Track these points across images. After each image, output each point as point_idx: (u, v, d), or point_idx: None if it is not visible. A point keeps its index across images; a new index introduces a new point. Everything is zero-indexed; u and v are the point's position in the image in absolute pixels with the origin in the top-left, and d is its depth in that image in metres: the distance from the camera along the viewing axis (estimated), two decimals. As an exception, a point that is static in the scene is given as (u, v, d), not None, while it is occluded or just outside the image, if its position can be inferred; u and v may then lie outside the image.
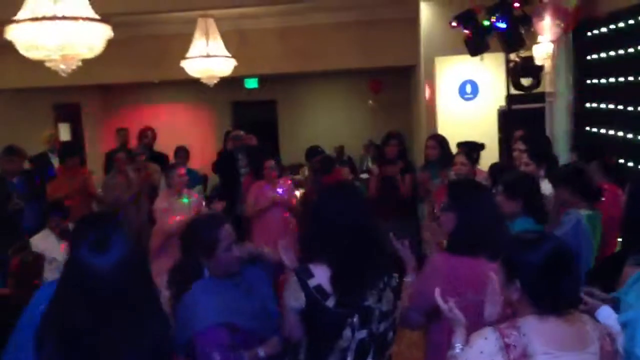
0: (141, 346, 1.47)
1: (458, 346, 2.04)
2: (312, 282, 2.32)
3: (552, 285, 1.82)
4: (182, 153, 7.20)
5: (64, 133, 10.47)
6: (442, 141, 5.75)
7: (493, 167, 4.58)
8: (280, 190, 5.85)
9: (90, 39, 4.24)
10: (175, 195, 5.39)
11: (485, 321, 2.15)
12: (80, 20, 4.11)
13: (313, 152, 6.58)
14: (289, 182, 6.08)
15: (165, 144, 8.23)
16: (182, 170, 5.51)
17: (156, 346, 1.51)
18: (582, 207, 3.56)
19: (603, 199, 3.57)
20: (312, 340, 2.40)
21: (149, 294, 1.57)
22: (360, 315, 2.34)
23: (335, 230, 2.34)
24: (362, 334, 2.35)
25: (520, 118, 6.46)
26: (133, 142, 8.18)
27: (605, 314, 2.42)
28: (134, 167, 6.67)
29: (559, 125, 5.60)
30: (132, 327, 1.47)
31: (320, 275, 2.33)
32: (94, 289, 1.45)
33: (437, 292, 2.15)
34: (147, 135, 7.70)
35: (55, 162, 7.36)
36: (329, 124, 11.92)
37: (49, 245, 5.05)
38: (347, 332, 2.33)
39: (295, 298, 2.33)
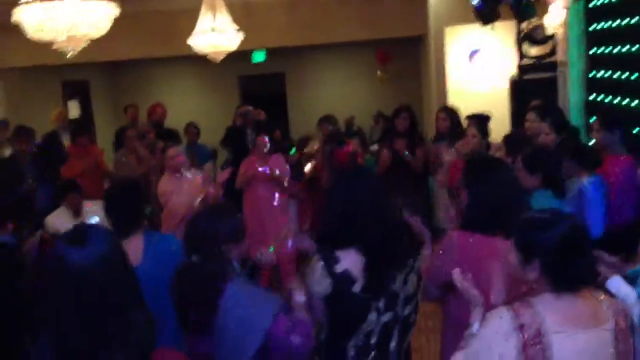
0: (128, 342, 1.46)
1: (475, 325, 2.04)
2: (338, 268, 2.30)
3: (570, 263, 1.83)
4: (192, 129, 7.20)
5: (73, 110, 10.48)
6: (452, 113, 5.72)
7: (508, 138, 4.52)
8: (261, 169, 5.91)
9: (96, 18, 4.22)
10: (176, 176, 5.17)
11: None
12: (87, 0, 4.09)
13: (327, 120, 6.55)
14: (280, 159, 6.09)
15: (174, 120, 8.23)
16: (173, 152, 5.25)
17: (141, 341, 1.50)
18: (583, 175, 3.59)
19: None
20: (335, 323, 2.40)
21: (131, 289, 1.54)
22: (386, 299, 2.35)
23: (363, 216, 2.31)
24: (387, 317, 2.35)
25: (531, 88, 6.38)
26: (142, 119, 8.18)
27: (616, 284, 2.45)
28: (144, 144, 6.68)
29: (571, 95, 5.55)
30: (117, 323, 1.45)
31: (347, 260, 2.31)
32: (74, 285, 1.43)
33: (456, 272, 2.16)
34: (157, 111, 7.69)
35: (65, 140, 7.40)
36: (337, 95, 11.86)
37: (64, 223, 5.11)
38: (372, 316, 2.33)
39: (320, 284, 2.32)
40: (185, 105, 11.48)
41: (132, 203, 3.14)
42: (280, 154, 6.18)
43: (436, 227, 5.30)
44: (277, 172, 5.90)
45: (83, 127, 7.21)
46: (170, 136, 7.34)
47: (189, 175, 5.26)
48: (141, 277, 3.09)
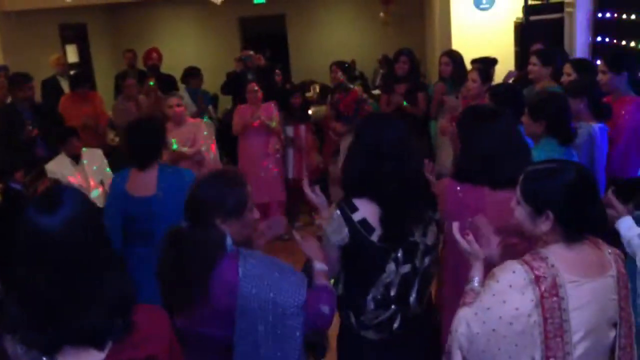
0: (100, 300, 1.43)
1: (476, 279, 2.03)
2: (356, 216, 2.28)
3: (583, 210, 1.82)
4: (194, 74, 7.06)
5: (71, 55, 10.33)
6: (456, 57, 5.61)
7: (494, 90, 3.92)
8: (253, 117, 5.93)
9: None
10: (176, 127, 5.00)
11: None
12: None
13: (338, 65, 6.44)
14: (272, 107, 6.08)
15: (174, 64, 8.11)
16: (173, 100, 5.10)
17: (115, 299, 1.47)
18: (590, 121, 3.55)
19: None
20: (354, 274, 2.39)
21: (105, 253, 1.50)
22: (405, 249, 2.32)
23: (381, 164, 2.26)
24: (406, 268, 2.33)
25: (538, 30, 6.24)
26: (140, 63, 8.06)
27: (627, 225, 2.46)
28: (143, 91, 6.61)
29: (577, 37, 5.43)
30: (88, 284, 1.43)
31: (366, 209, 2.29)
32: (45, 251, 1.40)
33: (455, 226, 2.14)
34: (152, 56, 7.57)
35: (64, 85, 7.32)
36: (339, 38, 11.64)
37: (64, 169, 5.11)
38: (391, 267, 2.31)
39: (337, 233, 2.29)
40: (185, 49, 11.31)
41: (152, 137, 3.39)
42: (275, 102, 6.15)
43: (439, 173, 5.28)
44: (264, 118, 5.91)
45: (84, 75, 7.12)
46: (167, 82, 7.26)
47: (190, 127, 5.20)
48: (154, 207, 3.22)
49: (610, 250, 1.91)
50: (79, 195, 1.50)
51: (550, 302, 1.76)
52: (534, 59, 4.49)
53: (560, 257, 1.82)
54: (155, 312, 1.60)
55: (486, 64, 5.09)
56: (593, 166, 3.53)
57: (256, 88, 6.00)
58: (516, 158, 2.48)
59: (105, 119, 6.59)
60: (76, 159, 5.23)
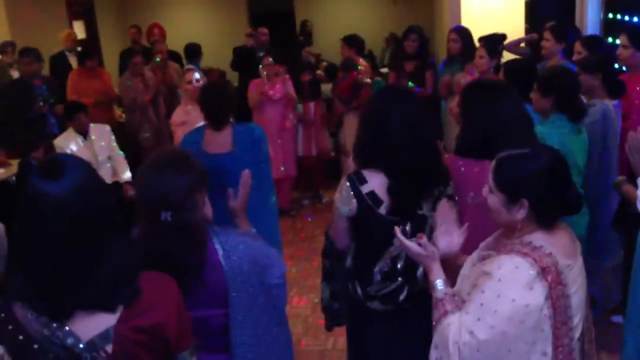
0: (108, 273, 1.44)
1: (439, 282, 1.91)
2: (364, 188, 2.29)
3: (557, 195, 1.77)
4: (193, 51, 7.03)
5: (79, 31, 10.28)
6: (464, 34, 5.56)
7: (507, 66, 4.01)
8: (270, 90, 5.91)
9: None
10: (192, 105, 4.56)
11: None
12: None
13: (347, 41, 6.41)
14: (288, 80, 6.06)
15: (181, 40, 8.07)
16: (192, 75, 4.85)
17: (120, 265, 1.48)
18: (604, 98, 3.52)
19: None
20: (362, 247, 2.40)
21: (110, 220, 1.50)
22: (413, 223, 2.31)
23: (389, 136, 2.25)
24: (414, 241, 2.28)
25: (548, 7, 6.16)
26: (145, 39, 8.03)
27: None
28: (150, 67, 6.59)
29: (589, 14, 5.36)
30: (93, 250, 1.44)
31: (374, 181, 2.29)
32: (49, 218, 1.40)
33: (397, 230, 2.03)
34: (154, 32, 7.53)
35: (73, 61, 7.31)
36: (347, 15, 11.54)
37: (72, 145, 5.14)
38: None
39: (346, 204, 2.30)
40: (192, 25, 11.25)
41: (225, 99, 3.61)
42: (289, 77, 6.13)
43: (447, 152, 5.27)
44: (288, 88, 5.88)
45: (92, 50, 7.10)
46: (172, 58, 7.24)
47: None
48: (232, 162, 3.42)
49: (571, 230, 1.88)
50: (82, 163, 1.50)
51: (557, 291, 1.70)
52: (547, 35, 4.46)
53: (550, 243, 1.76)
54: (161, 279, 1.60)
55: (495, 41, 5.05)
56: (605, 144, 3.50)
57: (270, 61, 5.93)
58: (519, 131, 2.47)
59: (113, 95, 6.59)
60: (84, 134, 5.25)
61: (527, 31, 6.74)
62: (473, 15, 7.13)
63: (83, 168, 1.48)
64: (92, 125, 5.33)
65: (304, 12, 11.95)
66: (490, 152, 2.39)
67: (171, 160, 1.89)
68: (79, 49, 7.54)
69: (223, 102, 3.59)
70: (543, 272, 1.69)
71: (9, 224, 4.81)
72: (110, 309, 1.47)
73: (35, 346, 1.43)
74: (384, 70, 8.26)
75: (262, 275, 1.98)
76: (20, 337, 1.43)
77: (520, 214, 1.79)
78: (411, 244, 1.99)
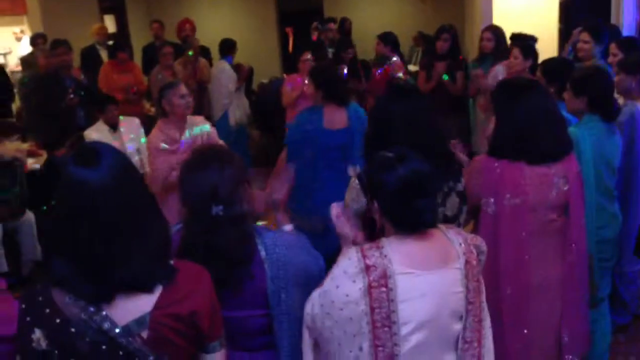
0: (148, 251, 1.47)
1: None
2: None
3: (408, 207, 1.76)
4: (228, 46, 7.05)
5: (109, 25, 10.39)
6: (498, 33, 5.49)
7: (546, 65, 3.96)
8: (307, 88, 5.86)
9: None
10: (175, 126, 3.96)
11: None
12: None
13: (382, 38, 6.39)
14: None
15: (209, 36, 8.10)
16: (183, 89, 3.96)
17: (160, 249, 1.51)
18: (638, 100, 3.46)
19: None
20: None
21: (146, 200, 1.53)
22: None
23: (395, 131, 2.25)
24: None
25: (583, 7, 6.06)
26: (168, 35, 8.05)
27: None
28: (179, 61, 6.62)
29: (625, 15, 5.26)
30: (133, 235, 1.46)
31: None
32: (90, 204, 1.42)
33: (333, 209, 2.09)
34: (185, 27, 7.56)
35: (103, 55, 7.39)
36: (376, 13, 11.47)
37: (102, 136, 5.19)
38: None
39: (355, 201, 2.30)
40: (220, 21, 11.30)
41: (341, 79, 3.99)
42: None
43: (474, 152, 5.21)
44: None
45: (123, 43, 7.16)
46: (202, 53, 7.26)
47: None
48: (350, 137, 3.86)
49: (461, 241, 1.83)
50: (113, 149, 1.53)
51: (378, 292, 1.71)
52: (585, 36, 4.37)
53: (395, 248, 1.77)
54: (196, 269, 1.62)
55: (525, 41, 4.97)
56: (633, 147, 3.43)
57: (309, 57, 5.86)
58: (553, 132, 2.45)
59: (144, 88, 6.64)
60: (114, 127, 5.30)
61: (561, 31, 6.64)
62: (505, 14, 7.05)
63: (116, 153, 1.51)
64: (121, 117, 5.39)
65: (332, 9, 11.92)
66: (525, 152, 2.39)
67: (215, 155, 1.92)
68: (110, 42, 7.61)
69: (340, 80, 3.91)
70: (367, 269, 1.73)
71: (36, 212, 4.91)
72: (149, 289, 1.49)
73: (72, 329, 1.45)
74: (412, 68, 8.19)
75: (302, 273, 1.97)
76: (57, 320, 1.46)
77: (377, 214, 1.85)
78: (337, 222, 2.08)
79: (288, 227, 2.25)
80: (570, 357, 2.55)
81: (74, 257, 1.44)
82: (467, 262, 1.79)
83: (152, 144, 3.96)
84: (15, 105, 7.67)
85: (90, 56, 7.32)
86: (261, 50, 10.52)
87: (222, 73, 6.72)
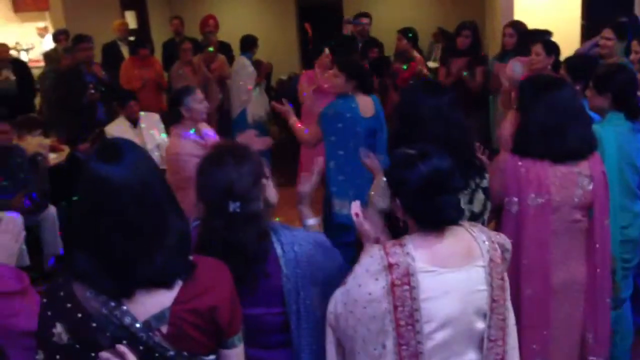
0: (169, 247, 1.48)
1: None
2: None
3: (430, 204, 1.75)
4: (249, 43, 7.05)
5: (130, 21, 10.45)
6: (520, 29, 5.43)
7: (570, 62, 3.93)
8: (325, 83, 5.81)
9: None
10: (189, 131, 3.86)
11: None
12: None
13: (403, 33, 6.37)
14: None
15: (228, 32, 8.12)
16: (199, 94, 3.93)
17: (180, 245, 1.51)
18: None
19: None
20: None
21: (166, 195, 1.53)
22: None
23: (424, 127, 2.22)
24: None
25: (606, 3, 5.96)
26: (188, 31, 8.07)
27: None
28: (202, 57, 6.64)
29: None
30: (156, 231, 1.47)
31: None
32: (113, 199, 1.42)
33: (353, 207, 2.05)
34: (209, 23, 7.58)
35: (124, 51, 7.44)
36: (395, 8, 11.41)
37: (123, 132, 5.23)
38: None
39: (382, 200, 2.26)
40: (239, 17, 11.30)
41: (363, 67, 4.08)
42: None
43: (495, 149, 5.16)
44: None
45: (144, 38, 7.21)
46: (223, 49, 7.28)
47: None
48: (380, 124, 4.05)
49: (485, 239, 1.81)
50: (135, 144, 1.54)
51: (401, 290, 1.70)
52: (608, 33, 4.30)
53: (419, 244, 1.75)
54: (216, 264, 1.63)
55: (541, 37, 4.91)
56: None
57: (327, 52, 5.92)
58: (578, 130, 2.43)
59: (164, 84, 6.68)
60: (134, 122, 5.34)
61: (583, 27, 6.55)
62: (526, 10, 6.96)
63: (137, 149, 1.52)
64: (142, 113, 5.43)
65: (352, 4, 11.87)
66: (550, 150, 2.36)
67: (232, 151, 1.91)
68: (131, 38, 7.66)
69: (363, 68, 4.04)
70: (390, 267, 1.72)
71: (58, 207, 4.96)
72: (168, 284, 1.50)
73: (93, 324, 1.46)
74: (431, 64, 8.14)
75: (320, 271, 1.96)
76: (79, 315, 1.47)
77: (399, 212, 1.83)
78: (357, 220, 2.03)
79: (312, 222, 2.24)
80: (595, 358, 2.53)
81: (94, 253, 1.45)
82: (491, 259, 1.78)
83: (185, 150, 3.72)
84: (38, 101, 7.77)
85: (111, 52, 7.38)
86: (280, 46, 10.51)
87: (242, 69, 6.72)
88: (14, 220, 1.92)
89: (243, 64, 6.77)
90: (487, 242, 1.80)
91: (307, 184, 2.30)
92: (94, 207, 1.45)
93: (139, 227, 1.45)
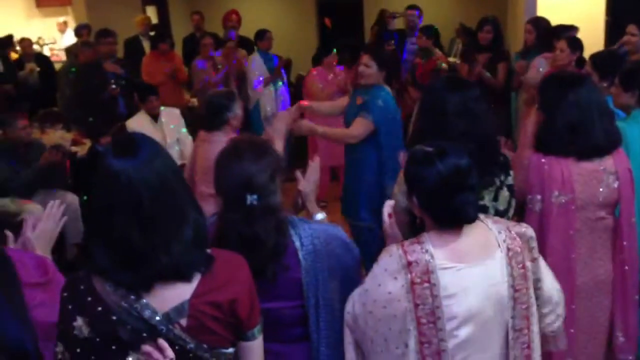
0: (185, 240, 1.48)
1: None
2: None
3: (448, 203, 1.72)
4: (260, 36, 7.02)
5: (151, 16, 10.52)
6: (540, 25, 5.36)
7: (596, 58, 3.86)
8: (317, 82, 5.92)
9: None
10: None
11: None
12: None
13: (425, 31, 6.37)
14: (341, 71, 6.05)
15: (247, 28, 8.12)
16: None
17: (197, 238, 1.51)
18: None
19: None
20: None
21: (182, 188, 1.54)
22: None
23: (446, 125, 2.21)
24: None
25: (632, -1, 5.87)
26: (208, 26, 8.09)
27: None
28: (223, 53, 6.65)
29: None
30: (172, 224, 1.47)
31: None
32: (129, 193, 1.43)
33: (386, 206, 2.04)
34: (232, 18, 7.59)
35: (146, 46, 7.48)
36: (417, 3, 11.35)
37: (144, 126, 5.25)
38: None
39: (404, 195, 2.26)
40: (259, 13, 11.32)
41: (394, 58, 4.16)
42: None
43: (517, 147, 5.11)
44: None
45: (164, 34, 7.25)
46: (244, 44, 7.28)
47: None
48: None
49: (502, 229, 1.78)
50: (150, 139, 1.54)
51: (421, 288, 1.69)
52: (633, 29, 4.24)
53: (437, 241, 1.74)
54: (234, 257, 1.63)
55: (566, 32, 4.85)
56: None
57: (334, 52, 5.96)
58: (602, 125, 2.40)
59: (184, 78, 6.70)
60: (155, 117, 5.37)
61: (607, 24, 6.46)
62: (550, 6, 6.87)
63: (153, 144, 1.52)
64: (162, 108, 5.45)
65: (372, 1, 11.83)
66: (573, 147, 2.34)
67: (251, 145, 1.91)
68: (151, 33, 7.70)
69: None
70: (409, 265, 1.70)
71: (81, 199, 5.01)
72: (187, 277, 1.50)
73: (114, 317, 1.47)
74: (451, 59, 8.08)
75: (338, 265, 1.95)
76: (99, 309, 1.48)
77: (416, 209, 1.81)
78: (387, 220, 2.03)
79: (320, 216, 2.24)
80: (625, 357, 2.50)
81: (112, 246, 1.46)
82: (509, 249, 1.76)
83: None
84: (59, 95, 7.86)
85: (133, 47, 7.42)
86: (299, 41, 10.50)
87: (252, 63, 6.72)
88: (57, 205, 1.95)
89: (253, 58, 6.76)
90: (502, 233, 1.78)
91: (308, 183, 2.27)
92: (109, 201, 1.46)
93: (154, 221, 1.45)
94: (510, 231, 1.80)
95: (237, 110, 3.78)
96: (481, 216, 1.84)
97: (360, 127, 3.73)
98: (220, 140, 3.54)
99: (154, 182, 1.45)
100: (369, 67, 3.78)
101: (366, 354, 1.83)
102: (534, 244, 1.86)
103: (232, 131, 3.77)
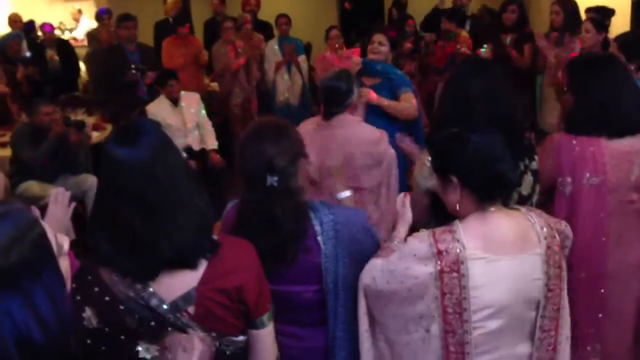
0: (189, 227, 1.46)
1: (397, 240, 1.93)
2: None
3: (489, 170, 1.69)
4: (284, 22, 6.97)
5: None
6: (567, 6, 5.24)
7: (622, 40, 3.76)
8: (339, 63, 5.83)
9: None
10: None
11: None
12: None
13: (448, 16, 6.32)
14: (356, 52, 5.94)
15: (265, 12, 8.06)
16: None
17: (202, 225, 1.50)
18: None
19: None
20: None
21: (187, 175, 1.52)
22: None
23: (471, 108, 2.18)
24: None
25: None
26: (229, 10, 8.02)
27: None
28: (240, 36, 6.61)
29: None
30: (176, 212, 1.45)
31: None
32: (132, 181, 1.42)
33: (399, 199, 2.02)
34: (250, 2, 7.53)
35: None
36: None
37: (164, 111, 5.26)
38: None
39: (427, 179, 2.23)
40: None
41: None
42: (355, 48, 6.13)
43: (541, 129, 5.03)
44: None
45: (183, 18, 7.21)
46: (263, 28, 7.23)
47: None
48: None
49: (544, 225, 1.72)
50: (155, 126, 1.53)
51: (450, 277, 1.66)
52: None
53: (471, 231, 1.69)
54: (242, 244, 1.61)
55: (602, 14, 4.73)
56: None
57: (337, 33, 6.01)
58: (632, 105, 2.36)
59: (204, 61, 6.67)
60: (175, 101, 5.37)
61: (634, 4, 6.29)
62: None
63: (155, 131, 1.51)
64: (183, 92, 5.44)
65: (392, -16, 11.69)
66: (604, 126, 2.28)
67: (273, 127, 1.90)
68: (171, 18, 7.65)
69: None
70: (438, 254, 1.67)
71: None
72: (193, 265, 1.49)
73: (121, 307, 1.47)
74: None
75: (358, 248, 1.93)
76: (107, 299, 1.47)
77: (454, 194, 1.75)
78: (400, 201, 2.02)
79: (346, 193, 2.22)
80: None
81: (116, 235, 1.45)
82: (548, 247, 1.70)
83: None
84: (81, 80, 7.88)
85: (165, 29, 7.33)
86: (320, 26, 10.41)
87: (267, 49, 6.70)
88: (63, 192, 1.95)
89: (268, 46, 6.74)
90: (545, 229, 1.73)
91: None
92: (112, 189, 1.45)
93: (157, 208, 1.43)
94: (552, 228, 1.75)
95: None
96: (523, 208, 1.80)
97: (413, 100, 3.87)
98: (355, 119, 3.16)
99: (154, 169, 1.44)
100: (383, 45, 3.93)
101: (380, 327, 1.82)
102: (569, 243, 1.82)
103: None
